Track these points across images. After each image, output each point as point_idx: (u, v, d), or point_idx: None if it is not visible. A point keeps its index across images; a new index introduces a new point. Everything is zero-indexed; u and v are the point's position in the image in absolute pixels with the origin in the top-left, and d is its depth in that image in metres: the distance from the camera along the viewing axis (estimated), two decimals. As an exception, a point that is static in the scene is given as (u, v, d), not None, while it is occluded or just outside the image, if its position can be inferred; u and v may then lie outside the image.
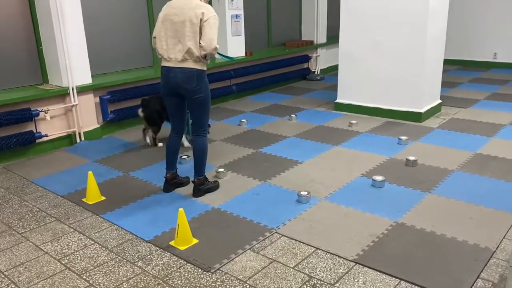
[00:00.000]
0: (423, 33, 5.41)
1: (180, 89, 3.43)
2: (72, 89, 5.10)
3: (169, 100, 3.60)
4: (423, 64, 5.51)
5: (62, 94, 5.10)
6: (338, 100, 6.40)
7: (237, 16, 7.08)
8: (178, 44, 3.33)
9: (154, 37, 3.50)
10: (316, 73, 9.06)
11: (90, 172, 3.74)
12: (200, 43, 3.28)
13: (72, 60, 5.07)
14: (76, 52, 5.10)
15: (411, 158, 4.26)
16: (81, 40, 5.15)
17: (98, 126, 5.47)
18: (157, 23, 3.46)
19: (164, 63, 3.46)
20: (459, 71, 9.15)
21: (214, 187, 3.81)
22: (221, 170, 4.16)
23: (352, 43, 6.02)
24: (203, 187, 3.72)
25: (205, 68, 3.46)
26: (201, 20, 3.25)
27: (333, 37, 8.58)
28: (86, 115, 5.33)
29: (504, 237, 2.98)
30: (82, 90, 5.20)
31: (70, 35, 5.00)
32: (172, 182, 3.82)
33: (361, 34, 5.90)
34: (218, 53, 3.78)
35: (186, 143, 4.96)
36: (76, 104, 5.17)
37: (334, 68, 8.50)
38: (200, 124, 3.61)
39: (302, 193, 3.61)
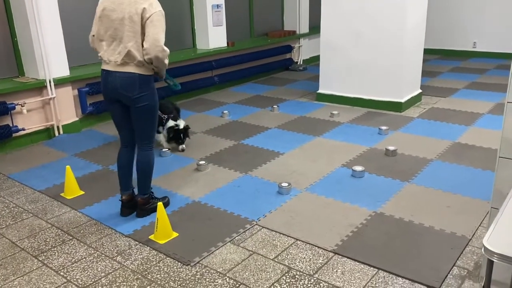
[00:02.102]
0: (402, 23, 5.43)
1: (120, 96, 2.97)
2: (49, 82, 4.99)
3: (111, 107, 3.13)
4: (403, 54, 5.54)
5: (39, 87, 4.99)
6: (320, 91, 6.41)
7: (218, 6, 7.00)
8: (119, 46, 2.89)
9: (93, 35, 3.04)
10: (298, 63, 9.05)
11: (67, 167, 3.68)
12: (142, 45, 2.85)
13: (49, 52, 4.95)
14: (52, 44, 4.98)
15: (391, 148, 4.30)
16: (58, 31, 5.03)
17: (77, 119, 5.38)
18: (95, 19, 3.00)
19: (103, 66, 3.02)
20: (439, 61, 9.24)
21: (163, 204, 3.08)
22: (202, 162, 4.13)
23: (333, 33, 6.01)
24: (148, 206, 3.27)
25: (150, 73, 2.99)
26: (142, 17, 2.82)
27: (315, 27, 8.55)
28: (65, 108, 5.23)
29: (480, 225, 3.04)
30: (59, 82, 5.09)
31: (45, 26, 4.87)
32: (130, 205, 3.30)
33: (342, 24, 5.90)
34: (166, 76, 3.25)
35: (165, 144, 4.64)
36: (54, 97, 5.06)
37: (317, 58, 8.47)
38: (144, 136, 3.13)
39: (283, 184, 3.61)
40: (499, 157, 2.22)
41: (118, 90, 2.97)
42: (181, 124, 4.57)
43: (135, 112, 3.04)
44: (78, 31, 5.60)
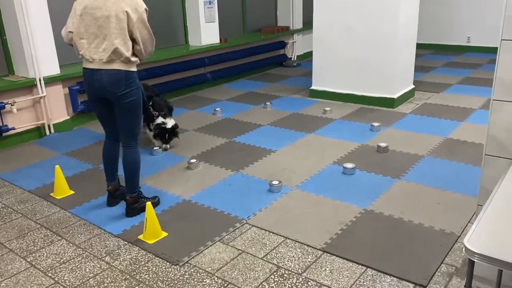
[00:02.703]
0: (395, 18, 5.41)
1: (107, 93, 2.97)
2: (40, 80, 4.96)
3: (96, 106, 3.15)
4: (395, 49, 5.52)
5: (29, 86, 4.96)
6: (313, 87, 6.39)
7: (210, 2, 6.96)
8: (103, 43, 2.87)
9: (70, 32, 2.98)
10: (292, 59, 9.02)
11: (57, 166, 3.66)
12: (136, 47, 2.92)
13: (38, 50, 4.92)
14: (42, 42, 4.94)
15: (382, 144, 4.30)
16: (47, 29, 4.99)
17: (68, 117, 5.35)
18: (73, 16, 2.95)
19: (86, 65, 2.99)
20: (433, 56, 9.23)
21: (152, 204, 3.03)
22: (193, 161, 4.11)
23: (326, 29, 5.99)
24: (137, 205, 3.26)
25: (135, 69, 3.01)
26: (128, 16, 2.83)
27: (309, 23, 8.50)
28: (55, 106, 5.20)
29: (469, 222, 3.04)
30: (49, 81, 5.06)
31: (35, 24, 4.83)
32: (116, 195, 3.39)
33: (334, 20, 5.87)
34: None
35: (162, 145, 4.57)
36: (44, 96, 5.03)
37: (311, 54, 8.45)
38: (130, 133, 3.12)
39: (274, 182, 3.60)
40: (485, 154, 2.22)
41: (105, 87, 2.96)
42: (170, 123, 4.48)
43: (121, 109, 3.04)
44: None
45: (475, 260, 1.45)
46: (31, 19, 4.79)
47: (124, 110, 3.03)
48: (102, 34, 2.87)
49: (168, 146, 4.54)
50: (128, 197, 3.25)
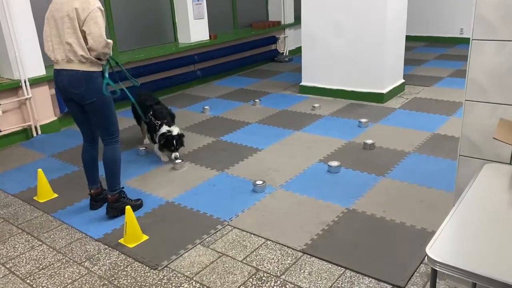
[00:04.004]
0: (383, 13, 5.36)
1: (69, 93, 3.04)
2: (25, 82, 4.93)
3: (68, 106, 3.18)
4: (384, 44, 5.48)
5: (14, 87, 4.93)
6: (302, 83, 6.35)
7: (198, -2, 6.90)
8: (63, 44, 2.94)
9: None
10: (284, 54, 8.96)
11: (39, 170, 3.64)
12: (87, 43, 2.89)
13: (23, 52, 4.88)
14: (26, 43, 4.90)
15: (369, 141, 4.27)
16: (31, 29, 4.95)
17: (55, 118, 5.32)
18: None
19: (54, 66, 3.08)
20: (426, 48, 9.17)
21: (134, 206, 3.23)
22: (178, 161, 4.09)
23: (314, 24, 5.95)
24: (118, 205, 3.24)
25: (95, 69, 2.99)
26: (78, 14, 2.85)
27: (300, 17, 8.46)
28: (42, 107, 5.17)
29: (451, 220, 3.02)
30: (35, 82, 5.03)
31: (18, 25, 4.79)
32: (99, 199, 3.39)
33: (322, 15, 5.83)
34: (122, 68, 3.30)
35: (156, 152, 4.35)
36: (30, 97, 5.00)
37: (302, 49, 8.42)
38: (105, 131, 3.16)
39: (257, 182, 3.58)
40: (459, 155, 2.20)
41: (67, 88, 3.03)
42: (175, 130, 4.14)
43: (87, 109, 3.09)
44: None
45: (437, 269, 1.43)
46: (14, 20, 4.75)
47: (90, 110, 3.07)
48: (60, 35, 2.95)
49: (177, 154, 4.14)
50: (110, 195, 3.25)
